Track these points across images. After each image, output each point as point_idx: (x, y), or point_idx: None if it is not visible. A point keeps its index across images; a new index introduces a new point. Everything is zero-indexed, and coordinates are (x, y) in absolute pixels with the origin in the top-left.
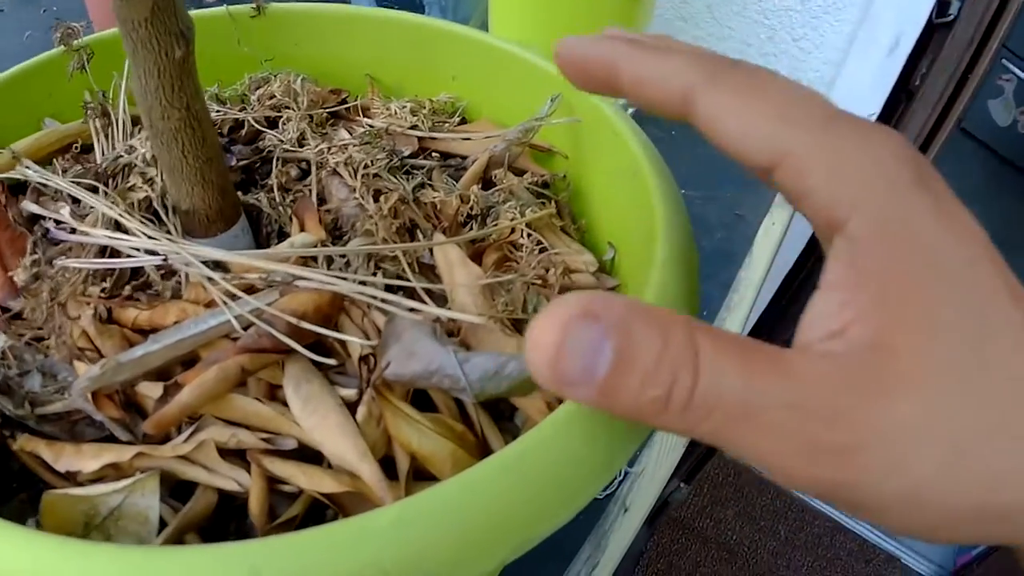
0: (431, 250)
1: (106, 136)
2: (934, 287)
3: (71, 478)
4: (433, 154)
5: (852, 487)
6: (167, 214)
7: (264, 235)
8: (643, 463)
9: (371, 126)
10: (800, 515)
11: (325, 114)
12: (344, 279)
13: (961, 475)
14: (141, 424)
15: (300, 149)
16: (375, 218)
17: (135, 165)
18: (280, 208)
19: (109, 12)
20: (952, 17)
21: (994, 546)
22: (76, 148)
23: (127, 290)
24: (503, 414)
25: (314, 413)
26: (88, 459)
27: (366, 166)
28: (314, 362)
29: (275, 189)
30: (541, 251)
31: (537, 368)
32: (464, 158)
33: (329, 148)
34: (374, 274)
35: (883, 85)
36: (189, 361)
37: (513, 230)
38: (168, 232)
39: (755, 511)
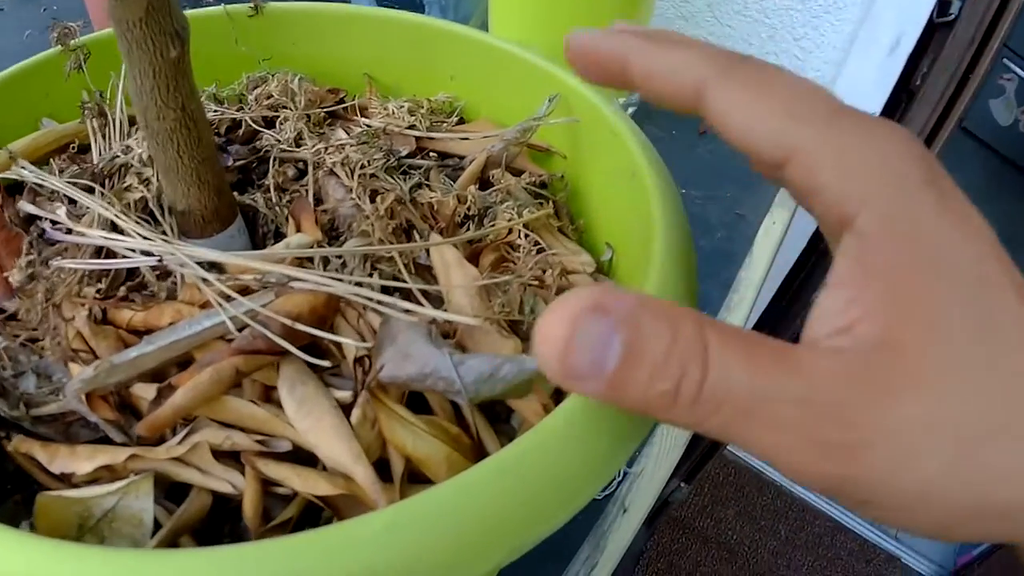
0: (427, 251)
1: (103, 136)
2: (941, 285)
3: (66, 480)
4: (431, 154)
5: (858, 483)
6: (163, 214)
7: (260, 235)
8: (642, 463)
9: (368, 126)
10: (801, 515)
11: (323, 114)
12: (340, 280)
13: (966, 473)
14: (136, 426)
15: (297, 149)
16: (371, 218)
17: (131, 165)
18: (276, 208)
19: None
20: (953, 17)
21: (995, 545)
22: (73, 148)
23: (122, 291)
24: (499, 416)
25: (308, 415)
26: (82, 461)
27: (363, 166)
28: (309, 364)
29: (272, 189)
30: (538, 252)
31: (546, 361)
32: (462, 158)
33: (326, 148)
34: (370, 275)
35: (884, 85)
36: (184, 362)
37: (510, 231)
38: (164, 233)
39: (755, 511)
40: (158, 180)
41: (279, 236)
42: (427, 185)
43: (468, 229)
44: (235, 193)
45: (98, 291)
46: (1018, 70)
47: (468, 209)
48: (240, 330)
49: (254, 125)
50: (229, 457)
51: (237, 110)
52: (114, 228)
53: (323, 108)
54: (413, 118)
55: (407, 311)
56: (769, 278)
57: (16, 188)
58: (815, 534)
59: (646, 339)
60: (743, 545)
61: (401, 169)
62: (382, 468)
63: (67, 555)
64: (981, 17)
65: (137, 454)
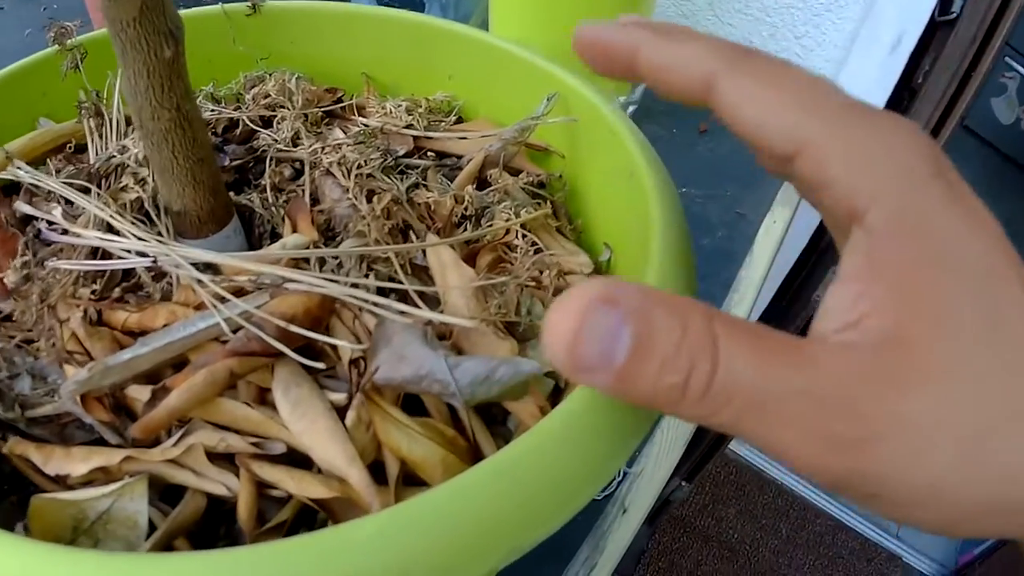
0: (424, 251)
1: (100, 136)
2: (949, 279)
3: (61, 481)
4: (428, 153)
5: (866, 478)
6: (159, 215)
7: (257, 236)
8: (642, 464)
9: (366, 125)
10: (802, 513)
11: (320, 113)
12: (335, 281)
13: (975, 469)
14: (130, 428)
15: (294, 149)
16: (367, 219)
17: (127, 165)
18: (273, 209)
19: None
20: (955, 15)
21: (996, 545)
22: (70, 148)
23: (117, 292)
24: (495, 418)
25: (303, 417)
26: (77, 462)
27: (359, 166)
28: (304, 365)
29: (268, 189)
30: (536, 252)
31: (554, 353)
32: (459, 157)
33: (323, 148)
34: (366, 276)
35: (886, 83)
36: (179, 364)
37: (508, 231)
38: (159, 233)
39: (757, 509)
40: (154, 180)
41: (275, 236)
42: (424, 185)
43: (465, 229)
44: (231, 193)
45: (93, 292)
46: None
47: (465, 209)
48: (235, 332)
49: (251, 125)
50: (224, 459)
51: (234, 109)
52: (110, 229)
53: (320, 107)
54: (411, 117)
55: (402, 313)
56: (770, 277)
57: (13, 188)
58: (816, 533)
59: (656, 332)
60: (744, 544)
61: (398, 169)
62: (378, 471)
63: (62, 559)
64: (983, 15)
65: (132, 456)
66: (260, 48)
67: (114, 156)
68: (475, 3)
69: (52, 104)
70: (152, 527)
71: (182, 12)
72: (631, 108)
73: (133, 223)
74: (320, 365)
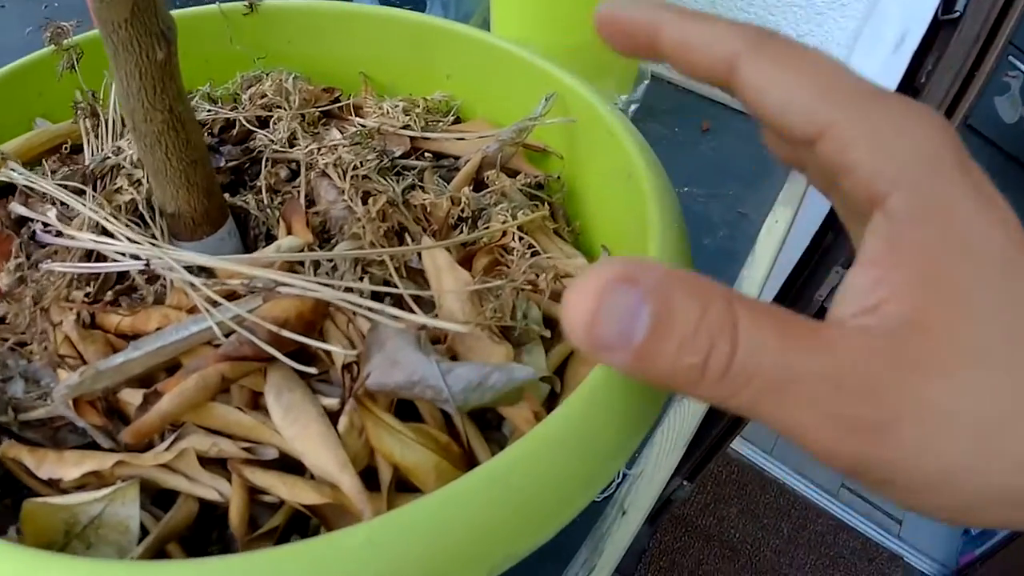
0: (419, 254)
1: (96, 136)
2: (969, 267)
3: (54, 485)
4: (425, 154)
5: (882, 463)
6: (153, 217)
7: (252, 237)
8: (641, 465)
9: (363, 126)
10: (803, 513)
11: (317, 113)
12: (329, 285)
13: (990, 457)
14: (121, 432)
15: (290, 149)
16: (363, 221)
17: (122, 167)
18: (268, 210)
19: None
20: (958, 14)
21: (997, 545)
22: (66, 148)
23: (110, 295)
24: (490, 423)
25: (295, 422)
26: (70, 466)
27: (355, 167)
28: (297, 370)
29: (264, 191)
30: (533, 255)
31: (573, 332)
32: (457, 158)
33: (319, 149)
34: (361, 279)
35: (889, 82)
36: (173, 367)
37: (505, 233)
38: (153, 236)
39: (758, 509)
40: (148, 182)
41: (271, 238)
42: (420, 186)
43: (462, 231)
44: (227, 195)
45: (87, 295)
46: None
47: (462, 211)
48: (227, 336)
49: (248, 125)
50: (216, 464)
51: (231, 110)
52: (104, 231)
53: (318, 107)
54: (408, 117)
55: (395, 317)
56: (772, 277)
57: (8, 189)
58: (818, 532)
59: (675, 311)
60: (746, 543)
61: (395, 170)
62: (371, 476)
63: (55, 565)
64: (986, 14)
65: (124, 460)
66: (257, 47)
67: (109, 157)
68: (476, 2)
69: (49, 104)
70: (145, 532)
71: (178, 11)
72: (633, 106)
73: (127, 225)
74: (312, 370)
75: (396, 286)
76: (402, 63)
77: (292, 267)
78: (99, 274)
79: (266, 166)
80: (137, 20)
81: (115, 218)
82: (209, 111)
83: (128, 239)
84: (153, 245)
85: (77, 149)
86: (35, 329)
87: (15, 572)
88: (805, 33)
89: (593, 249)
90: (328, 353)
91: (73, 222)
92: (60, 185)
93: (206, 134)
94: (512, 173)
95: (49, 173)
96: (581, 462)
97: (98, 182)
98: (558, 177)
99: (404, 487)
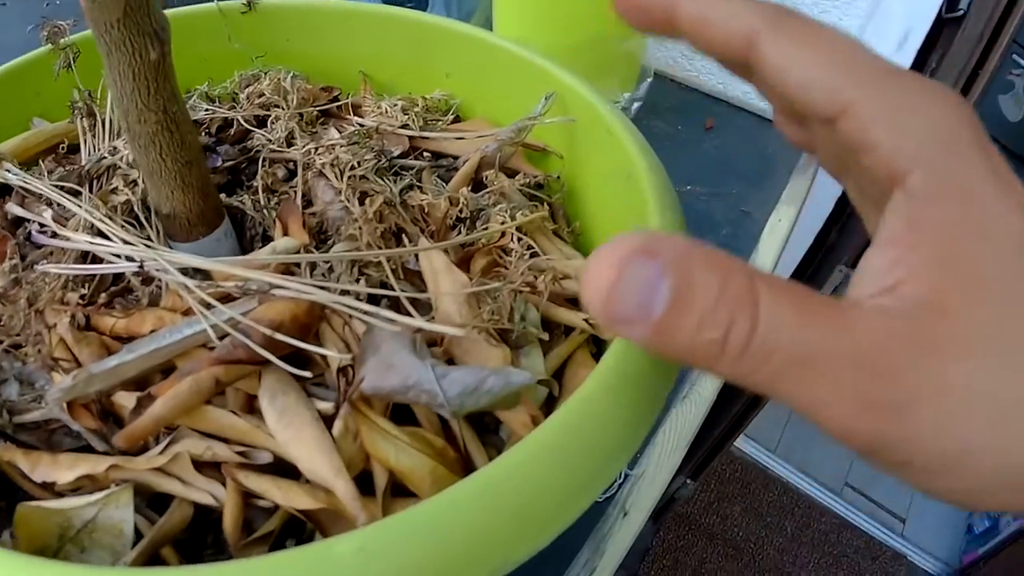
0: (417, 256)
1: (93, 136)
2: (988, 250)
3: (48, 488)
4: (424, 154)
5: (900, 443)
6: (149, 218)
7: (248, 238)
8: (644, 466)
9: (361, 125)
10: (807, 511)
11: (315, 112)
12: (324, 287)
13: (1007, 438)
14: (114, 436)
15: (288, 149)
16: (359, 222)
17: (118, 167)
18: (265, 211)
19: None
20: (962, 12)
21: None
22: (63, 148)
23: (104, 296)
24: (487, 427)
25: (289, 426)
26: (64, 470)
27: (353, 167)
28: (292, 373)
29: (260, 191)
30: (532, 256)
31: (591, 305)
32: (456, 158)
33: (316, 148)
34: (357, 280)
35: None
36: (168, 369)
37: (503, 234)
38: (149, 237)
39: (761, 507)
40: (143, 183)
41: (267, 239)
42: (419, 186)
43: (460, 232)
44: (223, 195)
45: (82, 296)
46: None
47: (460, 212)
48: (222, 338)
49: (245, 124)
50: (211, 468)
51: (229, 109)
52: (100, 232)
53: (316, 106)
54: (407, 117)
55: (391, 320)
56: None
57: (5, 189)
58: (821, 531)
59: (695, 285)
60: (749, 542)
61: (393, 170)
62: (367, 480)
63: (49, 572)
64: (990, 13)
65: (118, 464)
66: (256, 46)
67: (105, 157)
68: (478, 0)
69: (46, 104)
70: (139, 535)
71: (176, 10)
72: (636, 104)
73: (123, 226)
74: (307, 374)
75: (393, 288)
76: (401, 62)
77: (288, 268)
78: (94, 275)
79: (263, 166)
80: (130, 20)
81: (110, 219)
82: (207, 110)
83: (122, 240)
84: (148, 246)
85: (74, 149)
86: (30, 331)
87: None
88: None
89: (593, 249)
90: (324, 356)
91: (69, 223)
92: (56, 186)
93: (203, 133)
94: (511, 173)
95: (46, 173)
96: (579, 467)
97: (94, 182)
98: (558, 177)
99: (400, 492)
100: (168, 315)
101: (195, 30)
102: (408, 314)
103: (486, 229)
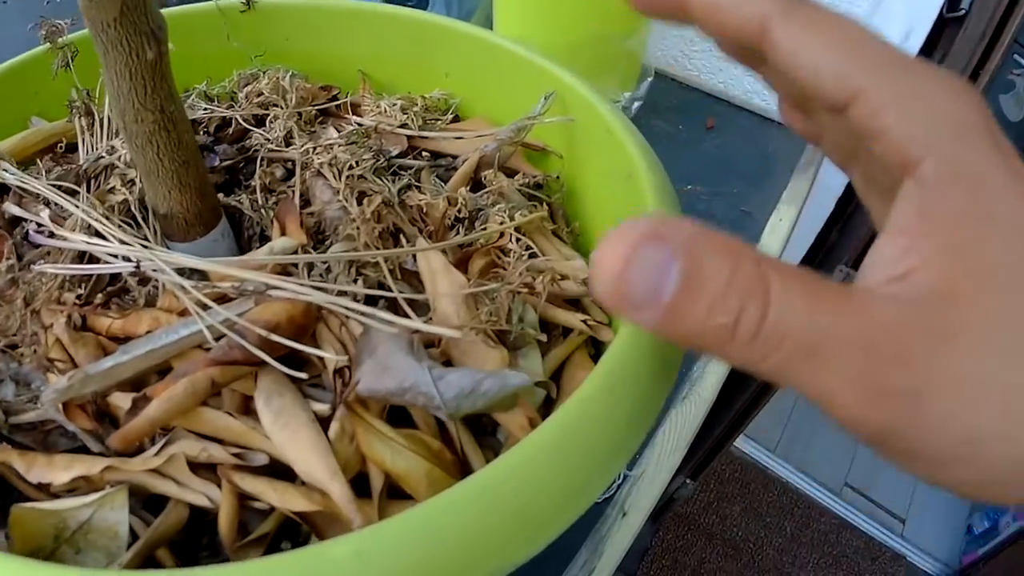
0: (415, 256)
1: (91, 135)
2: (998, 239)
3: (44, 489)
4: (423, 153)
5: (909, 431)
6: (146, 217)
7: (246, 238)
8: (643, 466)
9: (360, 124)
10: (806, 512)
11: (314, 112)
12: (321, 288)
13: (1016, 428)
14: (109, 438)
15: (286, 149)
16: (357, 222)
17: (116, 166)
18: (262, 211)
19: None
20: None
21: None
22: (61, 147)
23: (100, 297)
24: (485, 429)
25: (285, 428)
26: (59, 471)
27: (351, 167)
28: (288, 374)
29: (258, 190)
30: (531, 256)
31: (600, 289)
32: (455, 158)
33: (314, 148)
34: (355, 281)
35: None
36: (165, 370)
37: (502, 234)
38: (146, 237)
39: (761, 507)
40: (141, 182)
41: (265, 239)
42: (417, 186)
43: (458, 233)
44: (221, 194)
45: (79, 296)
46: None
47: (459, 212)
48: (218, 339)
49: (244, 124)
50: (206, 469)
51: (228, 108)
52: (97, 232)
53: (315, 106)
54: (406, 116)
55: (387, 322)
56: None
57: (4, 189)
58: (820, 531)
59: (705, 270)
60: (748, 542)
61: (391, 169)
62: (363, 483)
63: (44, 574)
64: (992, 12)
65: (113, 465)
66: (255, 45)
67: (102, 157)
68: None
69: (44, 103)
70: (135, 537)
71: (175, 8)
72: (637, 103)
73: (120, 226)
74: (302, 375)
75: (390, 288)
76: (401, 61)
77: (285, 269)
78: (91, 276)
79: (261, 165)
80: (126, 19)
81: (107, 219)
82: (205, 109)
83: (119, 240)
84: (144, 247)
85: (72, 148)
86: (26, 331)
87: None
88: None
89: (592, 249)
90: (320, 357)
91: (66, 223)
92: (53, 185)
93: (202, 133)
94: (511, 173)
95: (44, 172)
96: (577, 469)
97: (92, 182)
98: (557, 177)
99: (396, 494)
100: (164, 316)
101: (194, 29)
102: (405, 315)
103: (484, 229)
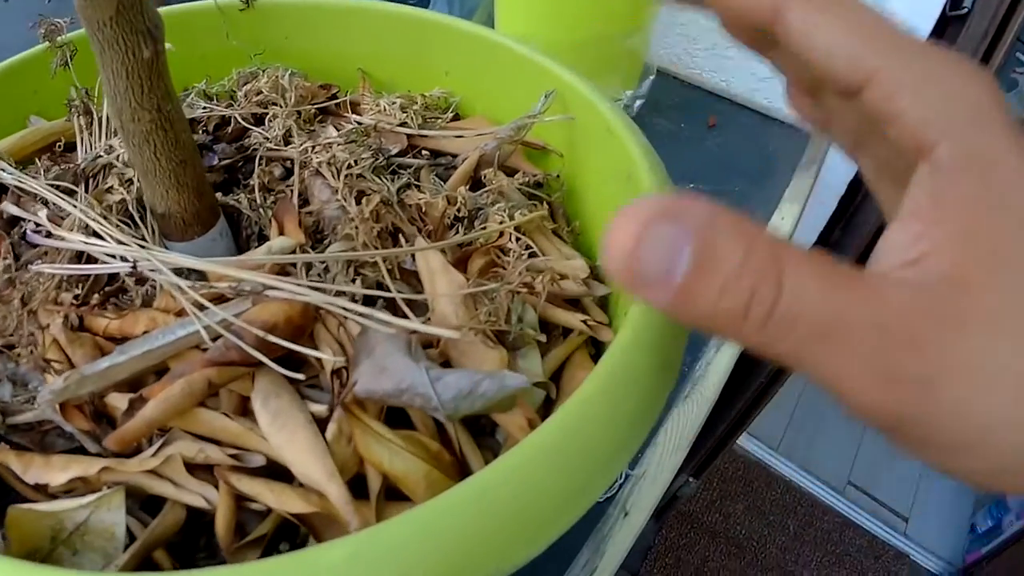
0: (413, 256)
1: (89, 134)
2: (1011, 225)
3: (41, 489)
4: (423, 152)
5: (922, 418)
6: (144, 217)
7: (244, 237)
8: (644, 466)
9: (359, 123)
10: (810, 510)
11: (313, 110)
12: (319, 288)
13: None
14: (106, 439)
15: (285, 147)
16: (356, 221)
17: (114, 166)
18: (261, 210)
19: None
20: (966, 10)
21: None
22: (59, 147)
23: (97, 297)
24: (484, 430)
25: (282, 429)
26: (56, 471)
27: (349, 166)
28: (285, 375)
29: (257, 190)
30: (530, 256)
31: (612, 267)
32: (454, 156)
33: (313, 147)
34: (353, 281)
35: None
36: (162, 370)
37: (502, 234)
38: (143, 236)
39: (764, 506)
40: (138, 182)
41: (263, 238)
42: (416, 185)
43: (458, 232)
44: (219, 194)
45: (76, 296)
46: None
47: (458, 211)
48: (215, 339)
49: (243, 123)
50: (204, 470)
51: (227, 106)
52: (95, 232)
53: (314, 104)
54: (405, 115)
55: (385, 322)
56: None
57: (2, 188)
58: (824, 530)
59: (718, 251)
60: (751, 540)
61: (390, 168)
62: (361, 484)
63: None
64: (995, 11)
65: (110, 466)
66: (254, 43)
67: (101, 156)
68: None
69: (43, 102)
70: (132, 538)
71: (173, 7)
72: (639, 102)
73: (118, 226)
74: (300, 376)
75: (389, 288)
76: (401, 59)
77: (284, 268)
78: (89, 276)
79: (260, 164)
80: (122, 18)
81: (105, 218)
82: (204, 108)
83: (117, 240)
84: (142, 246)
85: (71, 147)
86: (23, 332)
87: None
88: None
89: (592, 249)
90: (318, 358)
91: (64, 222)
92: (51, 185)
93: (201, 131)
94: (511, 172)
95: (42, 172)
96: (577, 470)
97: (89, 181)
98: (557, 176)
99: (394, 496)
100: (161, 316)
101: (193, 27)
102: (404, 315)
103: (484, 228)
